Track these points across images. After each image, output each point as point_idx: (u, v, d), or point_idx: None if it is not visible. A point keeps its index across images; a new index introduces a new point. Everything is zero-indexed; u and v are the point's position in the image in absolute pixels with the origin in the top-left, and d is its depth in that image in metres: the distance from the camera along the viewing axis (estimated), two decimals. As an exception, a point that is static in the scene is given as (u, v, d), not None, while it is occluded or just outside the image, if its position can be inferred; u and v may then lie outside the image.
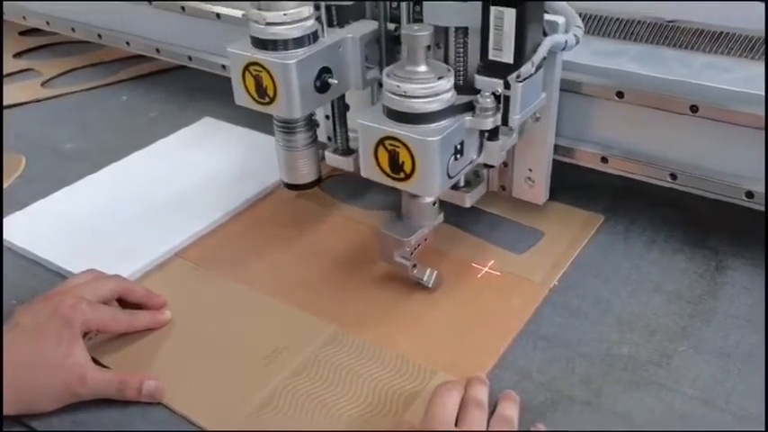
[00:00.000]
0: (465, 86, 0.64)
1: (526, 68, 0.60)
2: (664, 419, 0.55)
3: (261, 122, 0.96)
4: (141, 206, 0.82)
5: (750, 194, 0.65)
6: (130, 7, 1.01)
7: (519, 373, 0.60)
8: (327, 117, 0.80)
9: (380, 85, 0.72)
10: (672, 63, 0.70)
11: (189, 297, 0.69)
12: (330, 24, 0.69)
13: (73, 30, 1.12)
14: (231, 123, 0.99)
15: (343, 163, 0.79)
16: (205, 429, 0.56)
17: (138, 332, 0.64)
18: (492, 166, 0.69)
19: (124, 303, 0.65)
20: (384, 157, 0.60)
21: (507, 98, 0.61)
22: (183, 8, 0.94)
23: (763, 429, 0.54)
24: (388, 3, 0.69)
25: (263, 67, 0.65)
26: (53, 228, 0.79)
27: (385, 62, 0.71)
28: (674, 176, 0.69)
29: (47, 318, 0.58)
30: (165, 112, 1.05)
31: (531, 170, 0.74)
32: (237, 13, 0.89)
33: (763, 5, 0.67)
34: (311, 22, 0.66)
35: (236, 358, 0.62)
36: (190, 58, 0.98)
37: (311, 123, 0.73)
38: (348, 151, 0.79)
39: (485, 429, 0.53)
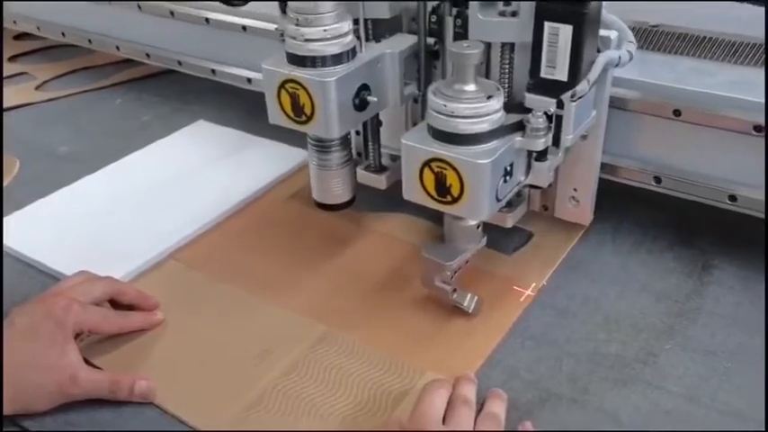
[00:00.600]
0: (511, 104, 0.61)
1: (582, 87, 0.57)
2: (649, 417, 0.56)
3: (254, 125, 0.97)
4: (134, 208, 0.82)
5: (733, 198, 0.66)
6: (120, 12, 1.01)
7: (507, 371, 0.61)
8: (358, 133, 0.79)
9: (415, 101, 0.73)
10: (656, 67, 0.70)
11: (181, 298, 0.69)
12: (367, 39, 0.67)
13: (63, 34, 1.12)
14: (225, 126, 0.99)
15: (376, 181, 0.76)
16: (196, 429, 0.57)
17: (130, 333, 0.65)
18: (539, 188, 0.66)
19: (117, 305, 0.66)
20: (430, 180, 0.58)
21: (560, 118, 0.58)
22: (172, 12, 0.95)
23: (764, 429, 0.54)
24: (427, 17, 0.67)
25: (300, 85, 0.63)
26: (47, 230, 0.79)
27: (423, 78, 0.70)
28: (658, 180, 0.69)
29: (40, 319, 0.59)
30: (158, 116, 1.06)
31: (576, 189, 0.72)
32: (226, 18, 0.90)
33: (742, 9, 0.68)
34: (350, 37, 0.64)
35: (227, 358, 0.63)
36: (179, 63, 0.99)
37: (347, 142, 0.71)
38: (381, 168, 0.77)
39: (472, 427, 0.53)
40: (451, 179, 0.57)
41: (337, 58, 0.63)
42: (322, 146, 0.70)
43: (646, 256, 0.73)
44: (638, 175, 0.71)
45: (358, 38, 0.65)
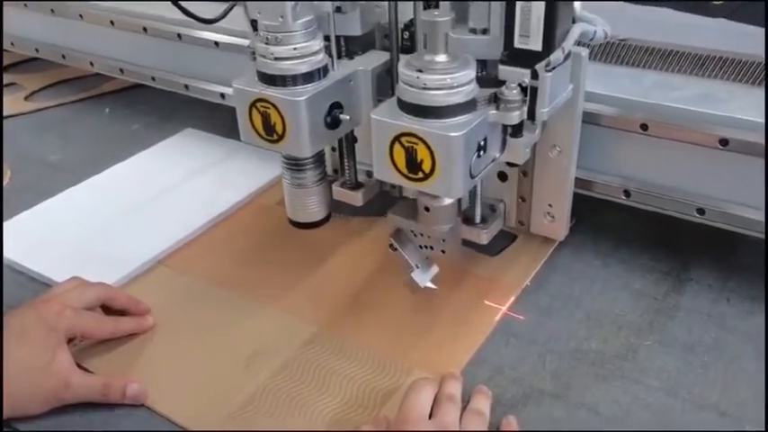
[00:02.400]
0: (485, 78, 0.59)
1: (556, 56, 0.55)
2: (629, 410, 0.58)
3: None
4: (124, 215, 0.84)
5: (701, 211, 0.66)
6: (94, 28, 1.02)
7: (491, 369, 0.62)
8: (334, 149, 0.79)
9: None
10: (623, 81, 0.71)
11: (172, 303, 0.71)
12: (339, 56, 0.67)
13: (37, 50, 1.13)
14: (212, 134, 1.01)
15: (352, 197, 0.76)
16: (187, 430, 0.58)
17: (122, 337, 0.66)
18: (516, 165, 0.65)
19: (108, 310, 0.67)
20: (400, 156, 0.56)
21: (535, 89, 0.56)
22: (145, 29, 0.96)
23: (764, 429, 0.56)
24: (399, 33, 0.66)
25: (271, 104, 0.62)
26: (38, 238, 0.80)
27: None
28: (627, 193, 0.70)
29: (32, 324, 0.60)
30: (147, 124, 1.07)
31: (551, 205, 0.71)
32: (199, 33, 0.91)
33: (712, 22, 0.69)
34: (321, 55, 0.63)
35: (218, 361, 0.64)
36: (153, 78, 1.00)
37: (320, 159, 0.70)
38: (357, 185, 0.76)
39: (458, 423, 0.55)
40: (422, 154, 0.55)
41: (308, 77, 0.62)
42: (295, 164, 0.69)
43: (626, 256, 0.74)
44: (609, 189, 0.71)
45: (330, 55, 0.65)
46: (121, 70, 1.03)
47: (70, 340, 0.62)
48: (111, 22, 0.98)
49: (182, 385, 0.62)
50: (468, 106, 0.55)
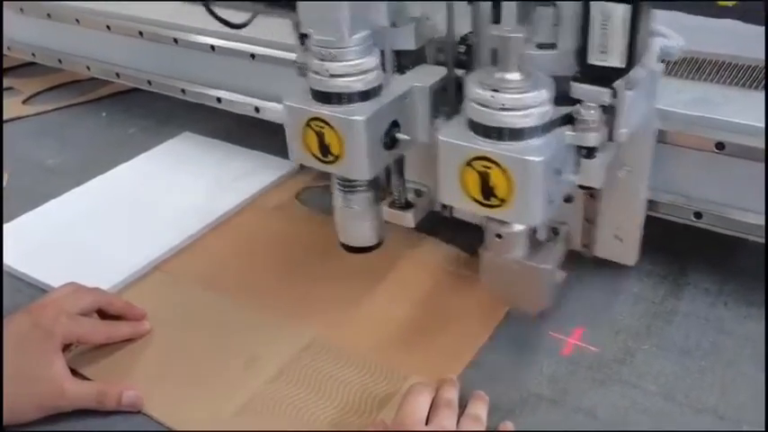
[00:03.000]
0: (557, 95, 0.54)
1: (638, 73, 0.52)
2: (627, 415, 0.57)
3: (239, 137, 0.99)
4: (121, 220, 0.83)
5: (699, 215, 0.66)
6: (90, 32, 1.02)
7: (489, 374, 0.62)
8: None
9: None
10: None
11: (168, 308, 0.70)
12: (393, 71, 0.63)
13: (33, 55, 1.13)
14: (210, 138, 1.01)
15: (402, 218, 0.73)
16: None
17: (118, 343, 0.66)
18: (590, 188, 0.60)
19: (104, 315, 0.67)
20: (472, 181, 0.52)
21: (614, 108, 0.53)
22: (141, 33, 0.96)
23: (764, 429, 0.56)
24: (454, 47, 0.62)
25: (326, 123, 0.58)
26: (35, 242, 0.80)
27: (453, 111, 0.63)
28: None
29: (28, 330, 0.60)
30: (144, 128, 1.07)
31: (619, 227, 0.67)
32: (195, 38, 0.91)
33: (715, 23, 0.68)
34: (377, 71, 0.59)
35: (215, 366, 0.64)
36: (149, 83, 1.00)
37: (375, 181, 0.66)
38: (407, 205, 0.74)
39: (455, 428, 0.55)
40: (497, 179, 0.51)
41: (365, 95, 0.59)
42: (350, 186, 0.65)
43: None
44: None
45: (384, 71, 0.61)
46: (118, 74, 1.03)
47: (67, 346, 0.62)
48: (108, 27, 0.98)
49: (178, 391, 0.62)
50: (546, 127, 0.52)
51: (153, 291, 0.73)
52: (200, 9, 0.75)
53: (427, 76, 0.64)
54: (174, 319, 0.69)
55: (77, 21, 1.02)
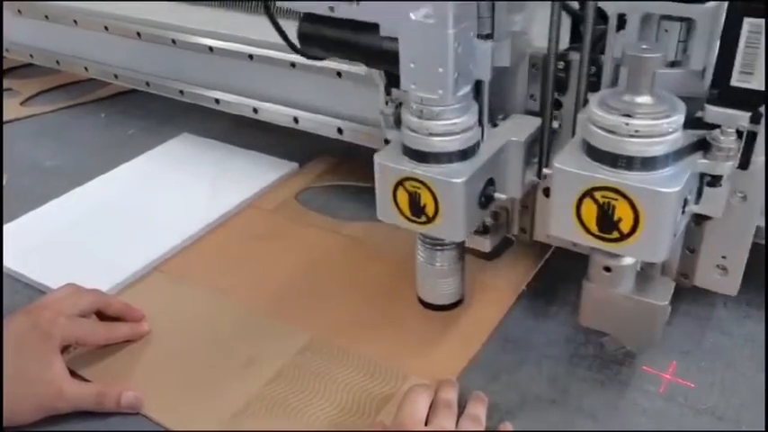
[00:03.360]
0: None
1: None
2: (627, 416, 0.57)
3: (238, 138, 0.99)
4: (120, 221, 0.83)
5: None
6: (88, 33, 1.01)
7: (488, 374, 0.62)
8: None
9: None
10: None
11: (167, 309, 0.70)
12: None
13: (31, 56, 1.12)
14: (209, 139, 1.00)
15: (480, 243, 0.69)
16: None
17: (116, 344, 0.65)
18: (705, 218, 0.57)
19: (103, 317, 0.67)
20: (590, 212, 0.49)
21: (753, 135, 0.48)
22: (139, 34, 0.95)
23: (764, 429, 0.55)
24: (551, 96, 0.58)
25: (422, 184, 0.55)
26: (33, 243, 0.80)
27: (545, 162, 0.61)
28: None
29: (26, 331, 0.59)
30: (143, 129, 1.07)
31: (724, 257, 0.61)
32: (193, 39, 0.90)
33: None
34: (476, 129, 0.56)
35: (214, 367, 0.64)
36: (147, 84, 0.99)
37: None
38: (484, 230, 0.70)
39: (454, 428, 0.55)
40: (622, 212, 0.47)
41: (464, 153, 0.56)
42: (439, 244, 0.62)
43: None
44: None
45: (481, 124, 0.58)
46: (116, 75, 1.02)
47: (66, 348, 0.62)
48: (106, 28, 0.98)
49: (177, 392, 0.61)
50: (677, 155, 0.47)
51: (152, 292, 0.73)
52: (196, 8, 0.75)
53: (521, 129, 0.61)
54: (173, 320, 0.69)
55: (75, 22, 1.02)
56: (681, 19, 0.52)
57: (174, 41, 0.92)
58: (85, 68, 1.06)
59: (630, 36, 0.53)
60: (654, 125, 0.46)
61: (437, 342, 0.65)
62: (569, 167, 0.49)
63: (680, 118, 0.47)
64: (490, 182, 0.58)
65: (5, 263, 0.76)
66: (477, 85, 0.57)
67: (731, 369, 0.61)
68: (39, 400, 0.58)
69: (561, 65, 0.59)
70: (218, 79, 0.92)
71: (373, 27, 0.52)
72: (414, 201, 0.56)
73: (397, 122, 0.57)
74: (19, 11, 1.08)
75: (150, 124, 1.08)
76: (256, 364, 0.63)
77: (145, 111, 1.11)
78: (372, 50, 0.53)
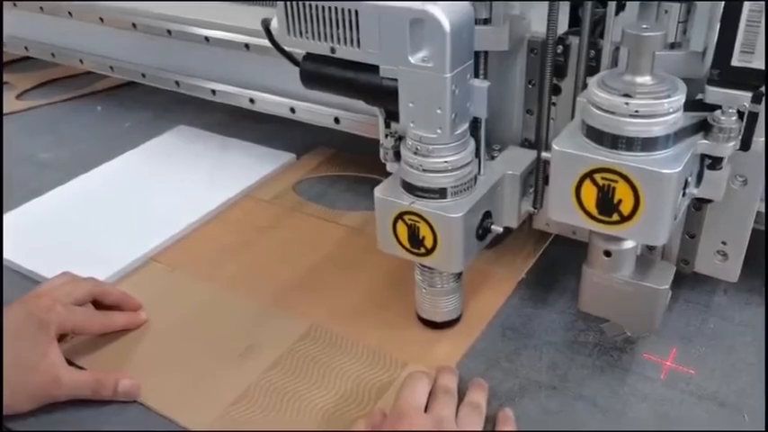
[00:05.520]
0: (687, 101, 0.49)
1: None
2: (627, 401, 0.57)
3: (234, 129, 0.98)
4: (116, 212, 0.83)
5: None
6: (82, 25, 1.01)
7: (488, 361, 0.61)
8: None
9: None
10: None
11: (164, 298, 0.70)
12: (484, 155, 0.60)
13: (26, 48, 1.12)
14: (205, 131, 1.00)
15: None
16: (180, 426, 0.57)
17: (113, 333, 0.65)
18: (705, 201, 0.57)
19: (100, 306, 0.66)
20: (590, 195, 0.48)
21: (754, 115, 0.47)
22: (134, 25, 0.94)
23: (764, 429, 0.55)
24: (553, 47, 0.58)
25: (421, 218, 0.56)
26: (29, 235, 0.80)
27: (540, 194, 0.63)
28: None
29: (22, 320, 0.59)
30: (139, 122, 1.06)
31: (725, 242, 0.60)
32: (188, 29, 0.90)
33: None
34: (473, 164, 0.57)
35: (211, 356, 0.63)
36: (143, 75, 0.99)
37: None
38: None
39: (454, 415, 0.54)
40: (623, 193, 0.47)
41: (461, 189, 0.56)
42: (434, 270, 0.62)
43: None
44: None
45: (477, 157, 0.58)
46: (111, 68, 1.02)
47: (63, 337, 0.61)
48: (101, 19, 0.97)
49: (175, 381, 0.61)
50: (678, 136, 0.47)
51: (149, 282, 0.73)
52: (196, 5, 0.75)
53: (517, 162, 0.62)
54: (171, 310, 0.68)
55: (70, 14, 1.01)
56: None
57: (169, 32, 0.91)
58: (81, 61, 1.05)
59: (630, 17, 0.52)
60: (654, 105, 0.46)
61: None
62: (569, 149, 0.48)
63: (681, 98, 0.47)
64: (487, 214, 0.59)
65: (2, 253, 0.76)
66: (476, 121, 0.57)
67: (732, 355, 0.61)
68: (35, 389, 0.57)
69: (560, 49, 0.59)
70: (214, 70, 0.92)
71: (373, 67, 0.53)
72: (413, 233, 0.57)
73: (397, 156, 0.57)
74: (14, 3, 1.08)
75: (146, 117, 1.07)
76: (255, 352, 0.63)
77: (141, 104, 1.10)
78: (372, 89, 0.54)
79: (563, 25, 0.59)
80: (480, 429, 0.54)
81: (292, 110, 0.85)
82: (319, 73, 0.56)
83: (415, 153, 0.55)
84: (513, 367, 0.61)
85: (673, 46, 0.53)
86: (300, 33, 0.54)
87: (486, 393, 0.57)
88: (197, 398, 0.59)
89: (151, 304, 0.68)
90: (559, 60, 0.60)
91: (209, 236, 0.80)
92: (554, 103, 0.63)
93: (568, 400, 0.58)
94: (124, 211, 0.83)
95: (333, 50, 0.53)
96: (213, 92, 0.92)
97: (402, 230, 0.58)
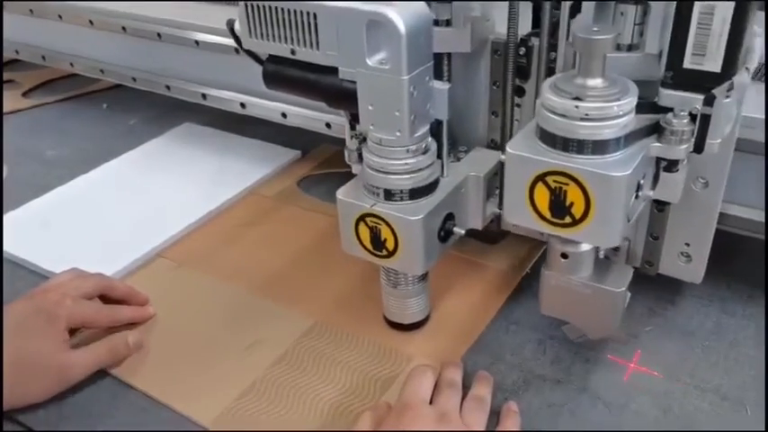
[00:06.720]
0: (640, 103, 0.48)
1: (740, 79, 0.46)
2: (630, 394, 0.58)
3: (240, 127, 0.99)
4: (123, 209, 0.83)
5: None
6: (73, 28, 1.00)
7: (492, 355, 0.62)
8: None
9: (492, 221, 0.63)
10: None
11: (171, 294, 0.70)
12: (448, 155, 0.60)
13: (17, 52, 1.11)
14: (211, 128, 1.01)
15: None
16: (187, 418, 0.57)
17: (121, 327, 0.65)
18: (663, 203, 0.58)
19: (107, 300, 0.67)
20: (543, 197, 0.48)
21: (706, 117, 0.46)
22: (124, 28, 0.94)
23: (764, 429, 0.55)
24: (515, 49, 0.58)
25: (382, 220, 0.56)
26: (36, 231, 0.80)
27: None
28: None
29: (31, 315, 0.60)
30: (145, 119, 1.07)
31: (688, 244, 0.61)
32: (179, 32, 0.89)
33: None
34: (434, 166, 0.57)
35: (218, 350, 0.64)
36: (134, 79, 0.98)
37: None
38: None
39: (458, 408, 0.55)
40: (574, 196, 0.47)
41: (421, 191, 0.56)
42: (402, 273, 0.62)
43: (626, 243, 0.74)
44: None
45: (440, 157, 0.58)
46: (102, 71, 1.01)
47: (73, 331, 0.62)
48: (91, 22, 0.96)
49: (181, 375, 0.61)
50: (629, 139, 0.47)
51: (155, 277, 0.73)
52: (182, 3, 0.74)
53: (481, 164, 0.62)
54: (177, 306, 0.69)
55: (60, 17, 1.00)
56: (636, 1, 0.51)
57: (159, 35, 0.91)
58: (71, 64, 1.04)
59: (585, 19, 0.52)
60: (604, 108, 0.45)
61: (441, 324, 0.65)
62: (521, 152, 0.48)
63: (632, 101, 0.46)
64: (449, 216, 0.59)
65: (10, 249, 0.76)
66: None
67: (734, 348, 0.61)
68: (50, 376, 0.58)
69: (523, 51, 0.59)
70: (204, 74, 0.91)
71: (334, 69, 0.53)
72: (375, 236, 0.57)
73: (361, 157, 0.58)
74: (4, 6, 1.07)
75: (152, 114, 1.08)
76: (261, 346, 0.64)
77: (147, 101, 1.11)
78: (333, 92, 0.54)
79: (527, 26, 0.59)
80: (484, 422, 0.54)
81: (284, 115, 0.84)
82: (281, 74, 0.56)
83: (376, 155, 0.55)
84: (517, 361, 0.61)
85: (630, 48, 0.53)
86: (262, 35, 0.55)
87: (491, 387, 0.58)
88: (204, 391, 0.60)
89: (158, 299, 0.69)
90: (522, 62, 0.60)
91: (215, 232, 0.80)
92: (518, 105, 0.63)
93: (572, 393, 0.58)
94: (131, 207, 0.84)
95: (293, 52, 0.53)
96: (204, 96, 0.91)
97: (364, 232, 0.58)
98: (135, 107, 1.10)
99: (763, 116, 0.57)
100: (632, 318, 0.65)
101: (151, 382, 0.60)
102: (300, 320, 0.66)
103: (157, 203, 0.84)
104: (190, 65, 0.92)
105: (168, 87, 0.95)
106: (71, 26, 1.00)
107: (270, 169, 0.90)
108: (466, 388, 0.58)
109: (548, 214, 0.49)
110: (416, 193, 0.56)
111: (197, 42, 0.88)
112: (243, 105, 0.88)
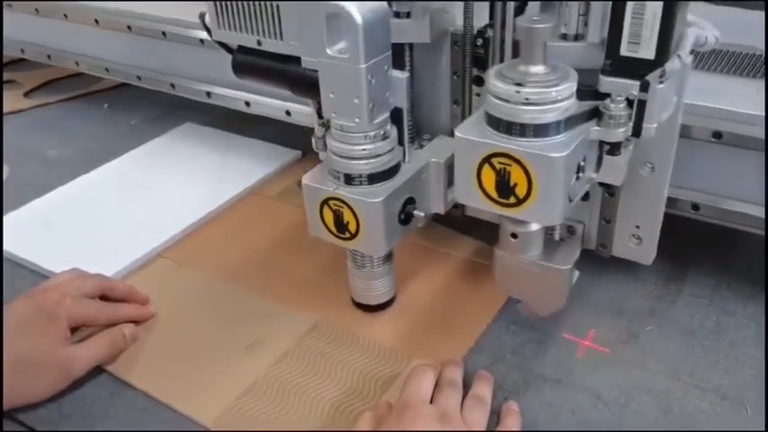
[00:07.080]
0: (581, 89, 0.51)
1: (672, 65, 0.49)
2: (631, 394, 0.58)
3: (241, 127, 0.99)
4: (124, 209, 0.84)
5: (696, 207, 0.64)
6: (78, 27, 1.00)
7: (493, 355, 0.62)
8: None
9: (456, 206, 0.65)
10: None
11: (171, 294, 0.70)
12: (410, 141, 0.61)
13: (22, 51, 1.11)
14: (212, 128, 1.01)
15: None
16: (187, 417, 0.58)
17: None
18: (609, 186, 0.60)
19: (107, 300, 0.66)
20: (490, 179, 0.51)
21: (642, 103, 0.49)
22: (129, 27, 0.94)
23: (764, 429, 0.55)
24: (472, 40, 0.61)
25: (344, 203, 0.58)
26: (37, 231, 0.80)
27: None
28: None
29: (31, 314, 0.60)
30: (146, 119, 1.07)
31: (638, 227, 0.64)
32: (183, 31, 0.89)
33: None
34: (394, 151, 0.59)
35: (219, 350, 0.64)
36: (139, 78, 0.98)
37: None
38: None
39: (459, 407, 0.55)
40: (517, 177, 0.50)
41: (382, 175, 0.58)
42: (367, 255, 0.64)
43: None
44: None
45: (402, 144, 0.60)
46: (107, 70, 1.01)
47: (74, 331, 0.62)
48: (96, 21, 0.97)
49: (183, 374, 0.62)
50: (569, 123, 0.49)
51: (156, 278, 0.73)
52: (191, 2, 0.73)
53: (443, 151, 0.63)
54: (178, 305, 0.69)
55: (65, 16, 1.00)
56: None
57: (164, 34, 0.91)
58: (76, 63, 1.04)
59: (533, 11, 0.54)
60: (544, 93, 0.48)
61: (442, 324, 0.65)
62: (468, 135, 0.51)
63: (571, 86, 0.49)
64: (410, 200, 0.61)
65: (11, 249, 0.77)
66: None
67: (735, 348, 0.61)
68: (53, 378, 0.58)
69: (480, 42, 0.62)
70: (209, 72, 0.91)
71: (298, 59, 0.55)
72: (338, 219, 0.59)
73: (326, 145, 0.59)
74: (9, 5, 1.07)
75: (153, 114, 1.08)
76: (262, 346, 0.64)
77: (148, 101, 1.11)
78: (297, 80, 0.56)
79: (484, 18, 0.61)
80: (485, 421, 0.54)
81: (288, 112, 0.85)
82: (249, 64, 0.59)
83: (338, 141, 0.57)
84: (517, 361, 0.61)
85: (576, 38, 0.55)
86: (229, 26, 0.57)
87: (492, 386, 0.58)
88: (204, 391, 0.60)
89: (158, 299, 0.69)
90: (479, 53, 0.62)
91: (216, 232, 0.80)
92: (478, 94, 0.65)
93: (573, 392, 0.58)
94: (132, 207, 0.84)
95: (259, 43, 0.56)
96: (208, 94, 0.92)
97: (328, 216, 0.60)
98: (136, 107, 1.11)
99: (763, 114, 0.58)
100: (632, 318, 0.65)
101: (152, 382, 0.60)
102: (301, 320, 0.66)
103: (158, 203, 0.84)
104: (194, 63, 0.92)
105: (173, 86, 0.95)
106: (76, 25, 1.01)
107: (271, 169, 0.90)
108: (466, 387, 0.58)
109: (494, 194, 0.52)
110: (375, 178, 0.58)
111: (202, 41, 0.88)
112: (247, 104, 0.89)
